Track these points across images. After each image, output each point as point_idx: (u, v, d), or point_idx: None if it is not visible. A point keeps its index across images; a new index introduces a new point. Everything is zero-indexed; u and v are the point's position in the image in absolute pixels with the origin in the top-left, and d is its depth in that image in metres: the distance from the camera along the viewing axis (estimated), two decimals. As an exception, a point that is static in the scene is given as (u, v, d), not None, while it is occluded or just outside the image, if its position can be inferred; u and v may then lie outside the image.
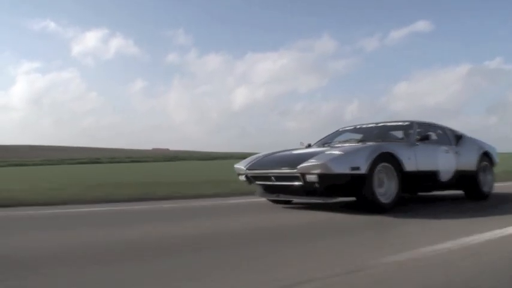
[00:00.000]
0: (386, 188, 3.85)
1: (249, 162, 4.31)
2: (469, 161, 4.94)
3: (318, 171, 3.55)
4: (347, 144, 4.42)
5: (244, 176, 4.29)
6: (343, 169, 3.54)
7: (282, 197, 4.15)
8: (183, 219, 3.70)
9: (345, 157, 3.65)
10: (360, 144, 4.23)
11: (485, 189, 5.11)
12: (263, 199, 4.62)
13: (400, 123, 4.71)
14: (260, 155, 4.49)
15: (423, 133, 4.58)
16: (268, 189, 4.29)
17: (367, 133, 4.95)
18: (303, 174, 3.63)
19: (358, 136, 4.96)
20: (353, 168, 3.57)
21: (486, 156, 5.22)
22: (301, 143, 4.87)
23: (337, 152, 3.73)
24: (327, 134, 5.29)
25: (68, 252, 2.24)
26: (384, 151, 3.80)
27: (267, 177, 4.03)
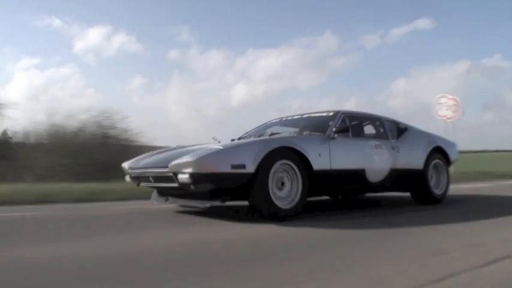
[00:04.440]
0: (287, 191, 3.17)
1: (134, 160, 3.68)
2: (413, 158, 4.16)
3: (189, 169, 2.88)
4: (254, 139, 3.75)
5: (128, 176, 3.66)
6: (221, 167, 2.87)
7: (171, 201, 3.50)
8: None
9: (223, 152, 2.97)
10: (255, 138, 3.56)
11: (438, 191, 4.33)
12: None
13: (324, 114, 3.98)
14: (155, 151, 3.86)
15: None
16: (160, 192, 3.66)
17: (294, 125, 4.28)
18: (175, 174, 2.98)
19: (286, 129, 4.28)
20: (235, 166, 2.89)
21: (439, 153, 4.44)
22: (214, 138, 4.17)
23: (216, 147, 3.05)
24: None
25: None
26: (282, 145, 3.11)
27: (146, 178, 3.39)
